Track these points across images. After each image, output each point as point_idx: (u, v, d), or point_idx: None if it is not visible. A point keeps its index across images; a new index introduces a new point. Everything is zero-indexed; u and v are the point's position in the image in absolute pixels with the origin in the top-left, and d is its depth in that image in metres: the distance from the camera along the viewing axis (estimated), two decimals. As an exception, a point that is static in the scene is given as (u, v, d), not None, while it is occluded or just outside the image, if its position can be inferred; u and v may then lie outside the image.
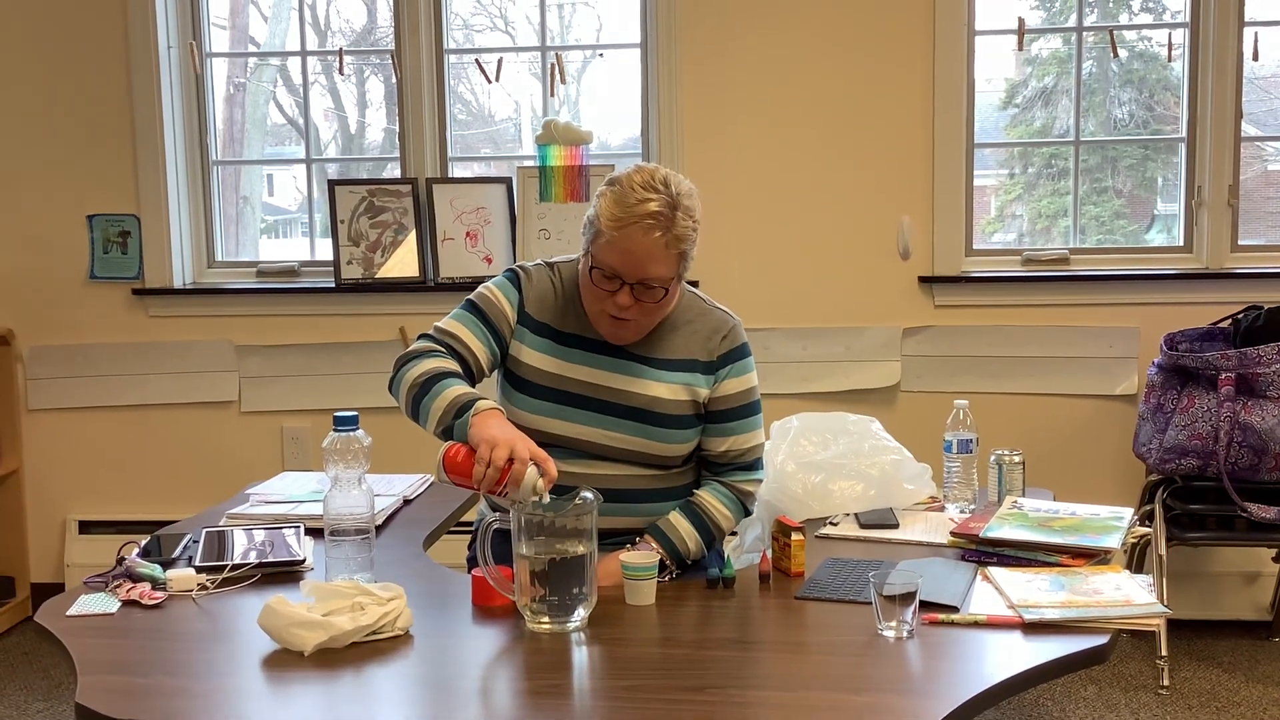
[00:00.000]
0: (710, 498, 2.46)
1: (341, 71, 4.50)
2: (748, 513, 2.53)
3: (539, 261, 2.53)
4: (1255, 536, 3.73)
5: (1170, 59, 4.22)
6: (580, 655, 2.00)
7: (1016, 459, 2.77)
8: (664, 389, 2.42)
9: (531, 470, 2.10)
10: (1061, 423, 4.18)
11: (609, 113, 4.52)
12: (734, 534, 2.77)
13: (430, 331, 2.44)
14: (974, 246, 4.27)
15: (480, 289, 2.48)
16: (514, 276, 2.49)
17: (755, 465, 2.52)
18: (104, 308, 4.44)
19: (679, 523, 2.42)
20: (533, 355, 2.43)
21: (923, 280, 4.20)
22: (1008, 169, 4.51)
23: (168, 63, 4.38)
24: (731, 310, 2.55)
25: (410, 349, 2.40)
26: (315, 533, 2.53)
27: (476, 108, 4.74)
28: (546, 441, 2.33)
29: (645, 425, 2.40)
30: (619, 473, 2.42)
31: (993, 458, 2.78)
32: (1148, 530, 3.62)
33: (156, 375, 4.44)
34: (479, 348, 2.41)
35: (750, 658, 2.00)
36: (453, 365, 2.36)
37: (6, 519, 4.48)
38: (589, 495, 2.11)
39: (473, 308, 2.45)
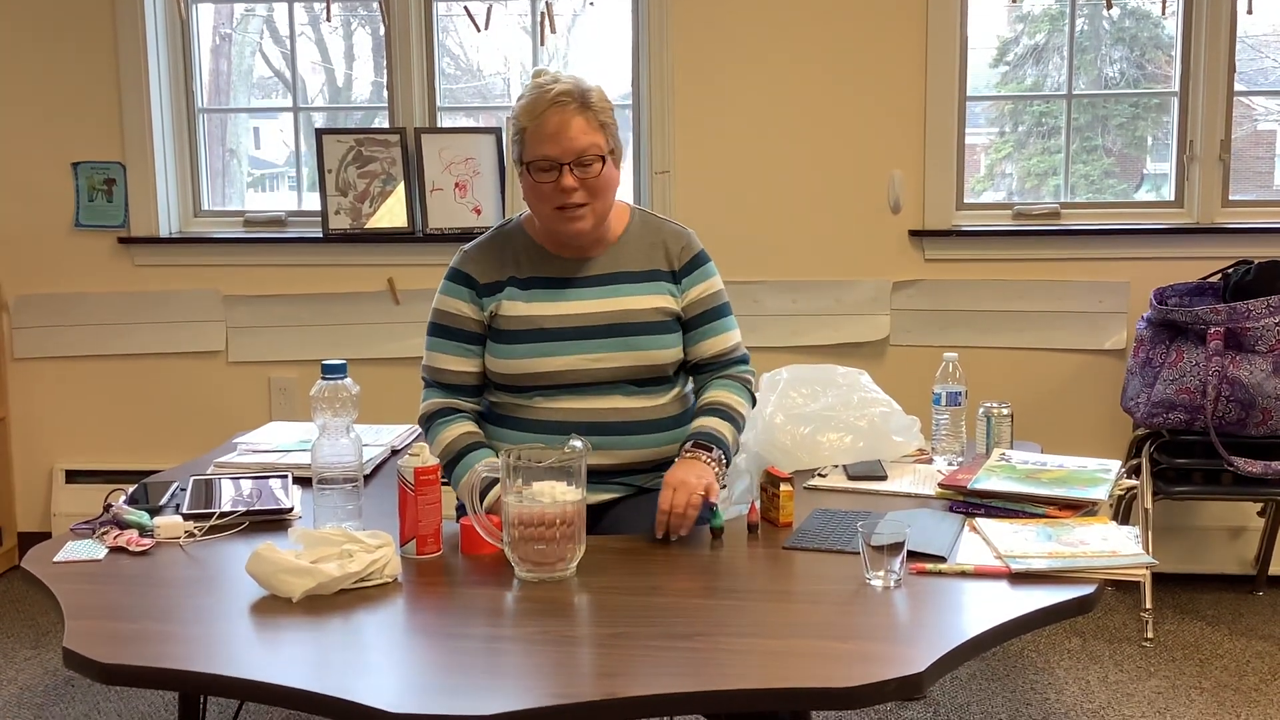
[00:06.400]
0: (726, 394, 2.51)
1: (329, 19, 4.45)
2: (753, 400, 2.60)
3: (472, 241, 2.58)
4: (1241, 491, 3.75)
5: (1164, 13, 4.19)
6: (568, 603, 2.01)
7: (1005, 412, 2.78)
8: (632, 300, 2.48)
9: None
10: (1050, 376, 4.18)
11: (599, 64, 4.48)
12: (723, 486, 2.77)
13: (424, 376, 2.52)
14: (964, 202, 4.26)
15: (435, 306, 2.53)
16: (452, 274, 2.53)
17: (745, 358, 2.60)
18: (89, 256, 4.41)
19: (718, 425, 2.45)
20: (506, 306, 2.47)
21: (913, 234, 4.18)
22: (998, 127, 4.49)
23: (153, 9, 4.33)
24: (687, 226, 2.63)
25: (423, 409, 2.50)
26: (303, 482, 2.53)
27: (465, 62, 4.69)
28: (534, 383, 2.41)
29: (624, 338, 2.45)
30: (610, 405, 2.45)
31: (981, 410, 2.79)
32: (1134, 484, 3.64)
33: (143, 325, 4.41)
34: (466, 364, 2.48)
35: (738, 606, 2.00)
36: (460, 430, 2.44)
37: (-7, 468, 4.48)
38: (579, 444, 2.11)
39: (440, 331, 2.51)
